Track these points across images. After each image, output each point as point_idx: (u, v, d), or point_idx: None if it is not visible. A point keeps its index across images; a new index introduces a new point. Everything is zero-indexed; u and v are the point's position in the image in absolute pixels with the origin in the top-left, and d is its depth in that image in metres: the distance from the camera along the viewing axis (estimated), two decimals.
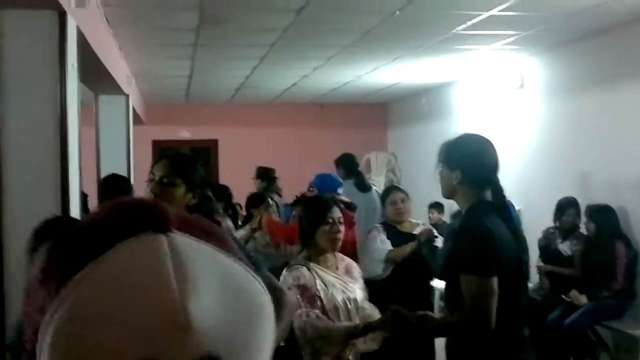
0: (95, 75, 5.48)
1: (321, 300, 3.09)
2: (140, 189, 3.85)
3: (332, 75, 8.49)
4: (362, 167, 7.76)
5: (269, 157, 9.40)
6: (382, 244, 4.72)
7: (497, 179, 2.74)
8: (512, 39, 6.40)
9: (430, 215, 8.17)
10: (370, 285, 3.60)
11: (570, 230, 6.11)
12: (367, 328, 2.99)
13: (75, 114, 3.76)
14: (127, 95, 7.18)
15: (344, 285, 3.22)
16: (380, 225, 4.91)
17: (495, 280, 2.51)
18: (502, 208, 2.71)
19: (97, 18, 4.87)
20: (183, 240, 0.53)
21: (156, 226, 0.53)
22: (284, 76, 8.53)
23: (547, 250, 6.23)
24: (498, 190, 2.73)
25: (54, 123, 3.48)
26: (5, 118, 3.42)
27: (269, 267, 3.49)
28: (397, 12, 5.16)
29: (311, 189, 5.92)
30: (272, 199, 6.76)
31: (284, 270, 3.24)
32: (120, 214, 0.55)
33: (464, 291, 2.53)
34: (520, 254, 2.67)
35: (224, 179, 9.86)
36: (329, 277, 3.19)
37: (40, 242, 0.57)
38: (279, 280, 3.07)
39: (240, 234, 5.77)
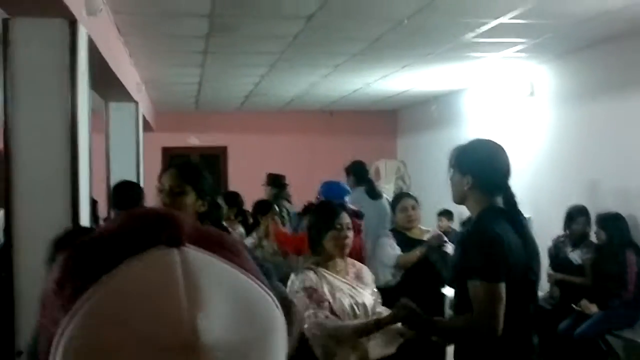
0: (106, 82, 5.51)
1: (329, 303, 3.09)
2: (150, 195, 3.86)
3: (342, 83, 8.50)
4: (371, 175, 7.75)
5: (278, 164, 9.38)
6: (393, 250, 4.72)
7: (509, 184, 2.72)
8: (521, 46, 6.39)
9: (440, 222, 8.15)
10: (382, 292, 3.60)
11: (580, 239, 6.08)
12: (378, 324, 3.00)
13: (86, 120, 3.78)
14: (137, 103, 7.22)
15: (353, 289, 3.21)
16: (390, 231, 4.91)
17: (502, 286, 2.50)
18: (514, 214, 2.69)
19: (108, 26, 4.90)
20: (196, 255, 0.53)
21: (170, 240, 0.53)
22: (294, 83, 8.54)
23: (557, 258, 6.20)
24: (510, 196, 2.70)
25: (64, 130, 3.51)
26: (16, 125, 3.45)
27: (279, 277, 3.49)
28: (406, 20, 5.17)
29: (318, 196, 5.92)
30: (282, 205, 6.75)
31: (292, 275, 3.25)
32: (136, 225, 0.55)
33: (471, 296, 2.52)
34: (528, 261, 2.65)
35: (233, 186, 9.88)
36: (336, 281, 3.19)
37: (58, 251, 0.58)
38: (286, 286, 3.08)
39: (248, 241, 5.77)
